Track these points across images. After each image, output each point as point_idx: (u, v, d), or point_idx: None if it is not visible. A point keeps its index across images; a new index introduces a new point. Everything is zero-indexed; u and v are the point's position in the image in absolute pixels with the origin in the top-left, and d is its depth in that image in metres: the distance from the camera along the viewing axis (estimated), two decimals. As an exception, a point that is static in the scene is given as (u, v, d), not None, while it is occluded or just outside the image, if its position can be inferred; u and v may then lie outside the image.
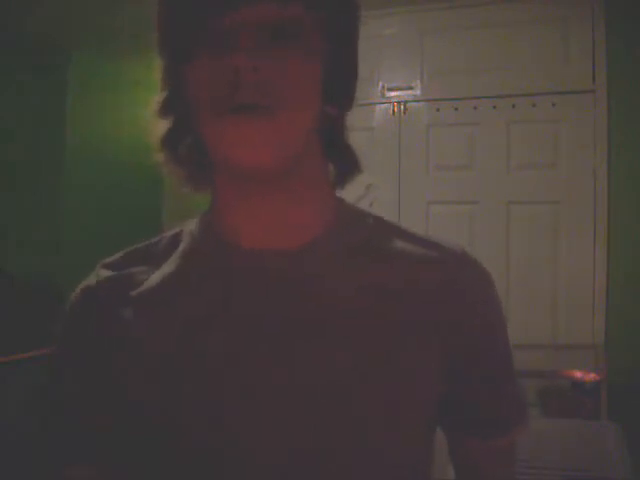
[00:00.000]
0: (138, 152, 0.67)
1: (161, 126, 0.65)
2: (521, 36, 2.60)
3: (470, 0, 2.67)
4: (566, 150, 2.54)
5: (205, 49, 0.58)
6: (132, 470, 0.64)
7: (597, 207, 2.47)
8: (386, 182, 2.75)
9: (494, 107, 2.63)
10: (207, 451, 0.60)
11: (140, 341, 0.63)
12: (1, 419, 2.10)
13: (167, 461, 0.62)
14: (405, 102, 2.77)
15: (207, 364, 0.61)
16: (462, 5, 2.68)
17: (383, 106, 2.80)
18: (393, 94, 2.79)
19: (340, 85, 0.64)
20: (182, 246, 0.68)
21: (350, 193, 0.72)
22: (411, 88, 2.76)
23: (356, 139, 0.69)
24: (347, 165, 0.69)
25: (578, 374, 2.18)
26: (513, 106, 2.61)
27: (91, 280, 0.68)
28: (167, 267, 0.67)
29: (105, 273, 0.68)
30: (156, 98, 0.65)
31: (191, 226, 0.70)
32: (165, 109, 0.65)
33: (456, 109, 2.69)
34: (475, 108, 2.66)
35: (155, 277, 0.66)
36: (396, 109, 2.78)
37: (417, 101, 2.76)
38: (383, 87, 2.80)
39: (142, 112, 0.67)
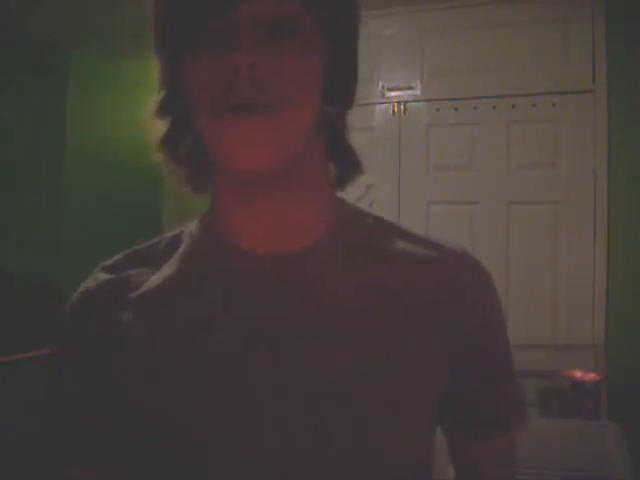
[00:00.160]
0: (138, 152, 0.67)
1: (160, 126, 0.65)
2: (521, 36, 2.60)
3: (470, 0, 2.67)
4: (566, 150, 2.54)
5: (203, 48, 0.57)
6: (132, 470, 0.64)
7: (597, 207, 2.47)
8: (386, 182, 2.75)
9: (494, 107, 2.63)
10: (207, 451, 0.60)
11: (140, 342, 0.63)
12: (1, 419, 2.10)
13: (167, 461, 0.62)
14: (405, 102, 2.77)
15: (207, 364, 0.61)
16: (462, 5, 2.68)
17: (383, 106, 2.80)
18: (393, 94, 2.79)
19: (340, 84, 0.64)
20: (182, 247, 0.68)
21: (350, 193, 0.72)
22: (411, 88, 2.76)
23: (356, 139, 0.69)
24: (348, 165, 0.69)
25: (578, 374, 2.18)
26: (513, 106, 2.61)
27: (90, 283, 0.68)
28: (167, 269, 0.67)
29: (104, 276, 0.68)
30: (154, 98, 0.65)
31: (191, 227, 0.70)
32: (163, 109, 0.64)
33: (456, 109, 2.69)
34: (475, 108, 2.66)
35: (154, 279, 0.66)
36: (396, 109, 2.78)
37: (417, 101, 2.76)
38: (383, 87, 2.80)
39: (142, 112, 0.67)
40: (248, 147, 0.56)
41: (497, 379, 0.71)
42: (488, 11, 2.65)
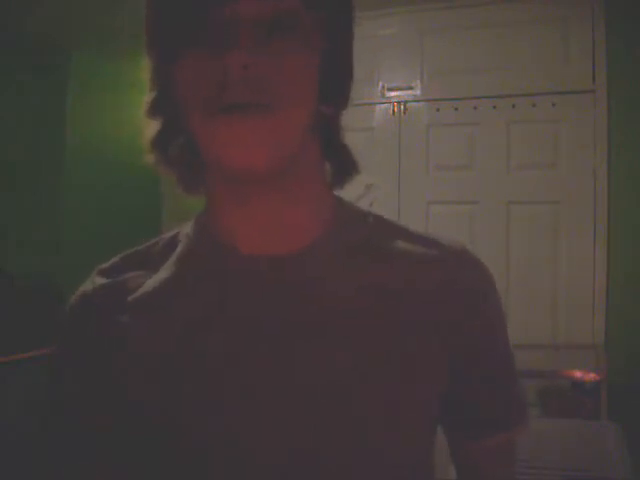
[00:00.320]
0: (138, 152, 0.67)
1: (151, 127, 0.65)
2: (521, 36, 2.60)
3: (470, 0, 2.67)
4: (566, 150, 2.54)
5: (195, 48, 0.57)
6: (132, 470, 0.64)
7: (597, 207, 2.47)
8: (386, 182, 2.75)
9: (494, 107, 2.63)
10: (207, 451, 0.60)
11: (139, 343, 0.63)
12: (1, 419, 2.10)
13: (167, 461, 0.62)
14: (405, 102, 2.77)
15: (207, 364, 0.61)
16: (462, 5, 2.68)
17: (383, 106, 2.80)
18: (393, 94, 2.79)
19: (336, 84, 0.63)
20: (179, 249, 0.68)
21: (350, 193, 0.72)
22: (411, 88, 2.76)
23: (356, 139, 0.69)
24: (344, 165, 0.68)
25: (578, 374, 2.18)
26: (513, 106, 2.61)
27: (87, 287, 0.68)
28: (164, 271, 0.67)
29: (101, 280, 0.68)
30: (145, 99, 0.64)
31: (187, 228, 0.70)
32: (154, 110, 0.64)
33: (456, 109, 2.69)
34: (475, 108, 2.66)
35: (152, 281, 0.66)
36: (396, 109, 2.78)
37: (417, 101, 2.76)
38: (383, 87, 2.80)
39: (142, 112, 0.66)
40: (241, 147, 0.56)
41: (497, 379, 0.71)
42: (488, 11, 2.65)
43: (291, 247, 0.64)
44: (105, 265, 0.70)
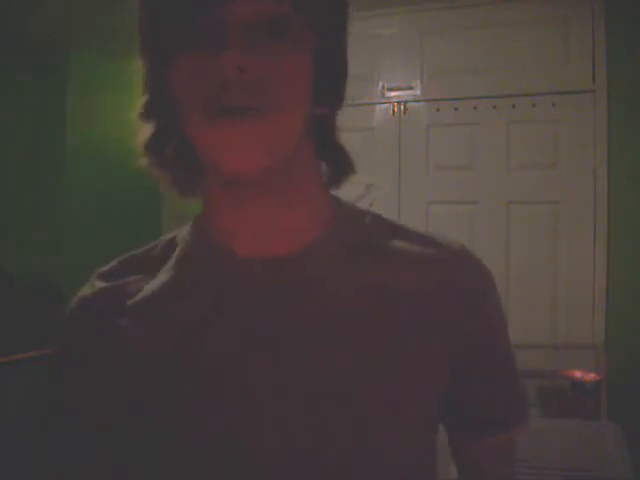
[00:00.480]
0: (138, 152, 0.67)
1: (145, 130, 0.64)
2: (521, 36, 2.60)
3: (470, 0, 2.67)
4: (566, 150, 2.54)
5: (192, 49, 0.56)
6: (132, 470, 0.64)
7: (597, 207, 2.47)
8: (386, 182, 2.75)
9: (494, 107, 2.63)
10: (207, 451, 0.60)
11: (139, 345, 0.63)
12: (1, 419, 2.10)
13: (167, 461, 0.62)
14: (405, 102, 2.77)
15: (206, 365, 0.61)
16: (462, 5, 2.68)
17: (383, 106, 2.80)
18: (393, 94, 2.79)
19: (331, 85, 0.63)
20: (176, 252, 0.68)
21: (350, 193, 0.72)
22: (411, 88, 2.76)
23: (356, 139, 0.69)
24: (340, 165, 0.68)
25: (578, 374, 2.18)
26: (513, 106, 2.61)
27: (86, 291, 0.68)
28: (162, 275, 0.67)
29: (100, 284, 0.68)
30: (139, 102, 0.64)
31: (184, 231, 0.70)
32: (147, 113, 0.64)
33: (456, 109, 2.69)
34: (475, 108, 2.66)
35: (150, 285, 0.66)
36: (396, 109, 2.78)
37: (417, 101, 2.76)
38: (383, 87, 2.80)
39: (135, 115, 0.66)
40: (237, 151, 0.56)
41: (497, 379, 0.71)
42: (488, 11, 2.65)
43: (289, 248, 0.64)
44: (104, 269, 0.70)
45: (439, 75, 2.72)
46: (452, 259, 0.67)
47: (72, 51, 3.08)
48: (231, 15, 0.54)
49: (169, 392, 0.61)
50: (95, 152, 3.13)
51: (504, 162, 2.62)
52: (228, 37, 0.54)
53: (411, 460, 0.64)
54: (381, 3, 2.67)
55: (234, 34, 0.54)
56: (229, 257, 0.64)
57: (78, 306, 0.67)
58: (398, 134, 2.77)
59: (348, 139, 0.71)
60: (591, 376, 2.16)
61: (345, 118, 0.68)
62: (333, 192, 0.70)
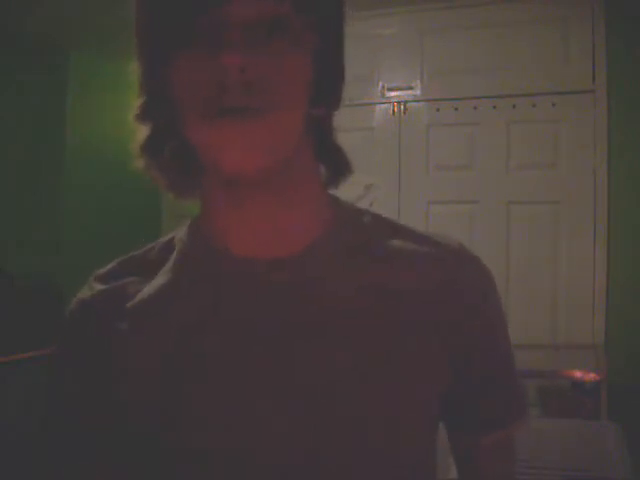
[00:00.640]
0: (135, 154, 0.66)
1: (141, 132, 0.64)
2: (521, 36, 2.60)
3: (470, 0, 2.67)
4: (566, 150, 2.54)
5: (191, 49, 0.56)
6: (132, 470, 0.64)
7: (597, 207, 2.47)
8: (386, 182, 2.75)
9: (494, 107, 2.63)
10: (207, 451, 0.60)
11: (139, 347, 0.63)
12: (1, 419, 2.10)
13: (167, 461, 0.62)
14: (405, 102, 2.77)
15: (206, 365, 0.61)
16: (462, 5, 2.68)
17: (383, 106, 2.80)
18: (393, 94, 2.79)
19: (329, 86, 0.63)
20: (174, 254, 0.68)
21: (350, 193, 0.72)
22: (411, 88, 2.76)
23: (356, 139, 0.69)
24: (338, 166, 0.68)
25: (578, 374, 2.18)
26: (513, 106, 2.61)
27: (85, 293, 0.68)
28: (160, 276, 0.67)
29: (98, 286, 0.67)
30: (135, 103, 0.64)
31: (182, 232, 0.70)
32: (144, 114, 0.63)
33: (456, 109, 2.69)
34: (475, 108, 2.66)
35: (149, 287, 0.66)
36: (396, 109, 2.78)
37: (417, 101, 2.76)
38: (383, 87, 2.80)
39: (131, 117, 0.66)
40: (237, 151, 0.56)
41: (497, 378, 0.71)
42: (488, 11, 2.65)
43: (289, 248, 0.64)
44: (102, 271, 0.70)
45: (439, 75, 2.72)
46: (452, 258, 0.67)
47: (72, 51, 3.08)
48: (231, 15, 0.54)
49: (169, 392, 0.61)
50: (95, 152, 3.13)
51: (504, 162, 2.63)
52: (228, 37, 0.54)
53: (411, 460, 0.64)
54: (381, 3, 2.67)
55: (234, 34, 0.54)
56: (228, 257, 0.64)
57: (77, 308, 0.67)
58: (398, 134, 2.77)
59: (348, 139, 0.71)
60: (591, 376, 2.16)
61: (345, 118, 0.68)
62: (333, 192, 0.70)
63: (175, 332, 0.63)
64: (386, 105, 2.80)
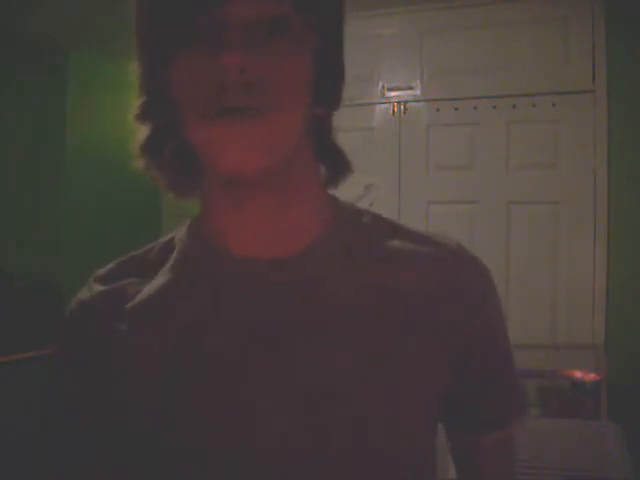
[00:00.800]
0: (135, 154, 0.66)
1: (141, 132, 0.64)
2: (521, 36, 2.60)
3: (470, 0, 2.67)
4: (566, 150, 2.54)
5: (191, 49, 0.56)
6: (132, 470, 0.64)
7: (597, 207, 2.47)
8: (386, 182, 2.75)
9: (494, 107, 2.63)
10: (207, 451, 0.60)
11: (139, 347, 0.63)
12: (1, 419, 2.10)
13: (167, 461, 0.62)
14: (405, 102, 2.77)
15: (206, 365, 0.61)
16: (462, 5, 2.68)
17: (383, 106, 2.80)
18: (393, 94, 2.79)
19: (329, 85, 0.64)
20: (174, 254, 0.68)
21: (350, 193, 0.72)
22: (411, 88, 2.76)
23: (356, 139, 0.69)
24: (337, 166, 0.68)
25: (578, 374, 2.18)
26: (513, 106, 2.61)
27: (85, 294, 0.68)
28: (160, 276, 0.67)
29: (98, 287, 0.67)
30: (135, 103, 0.64)
31: (181, 232, 0.70)
32: (144, 114, 0.63)
33: (456, 109, 2.69)
34: (475, 108, 2.66)
35: (149, 288, 0.66)
36: (396, 109, 2.78)
37: (417, 101, 2.76)
38: (383, 87, 2.80)
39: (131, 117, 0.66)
40: (237, 151, 0.56)
41: (498, 378, 0.71)
42: (488, 11, 2.65)
43: (289, 248, 0.64)
44: (102, 271, 0.70)
45: (439, 75, 2.72)
46: (451, 258, 0.67)
47: (72, 51, 3.08)
48: (231, 15, 0.54)
49: (169, 392, 0.61)
50: (95, 152, 3.13)
51: (504, 162, 2.62)
52: (228, 37, 0.54)
53: (411, 460, 0.64)
54: (381, 3, 2.67)
55: (234, 34, 0.54)
56: (228, 257, 0.64)
57: (77, 308, 0.67)
58: (398, 134, 2.77)
59: (348, 139, 0.71)
60: (591, 376, 2.16)
61: (345, 118, 0.68)
62: (333, 192, 0.70)
63: (175, 332, 0.63)
64: (386, 105, 2.80)
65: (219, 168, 0.58)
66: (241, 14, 0.55)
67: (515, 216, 2.62)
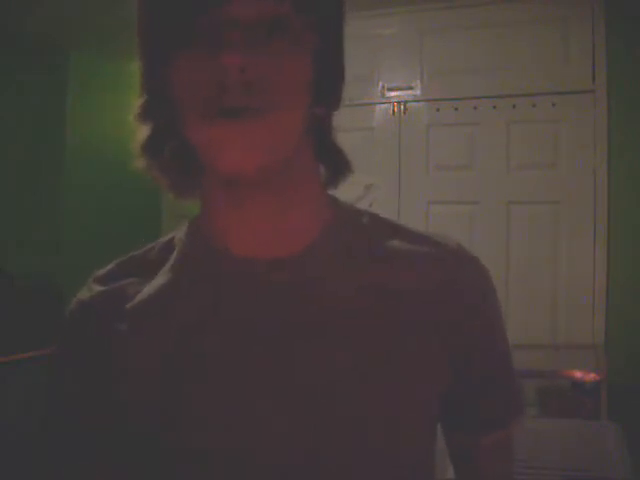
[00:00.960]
0: (135, 154, 0.66)
1: (142, 132, 0.64)
2: (521, 36, 2.60)
3: (470, 0, 2.67)
4: (566, 150, 2.54)
5: (191, 49, 0.56)
6: (132, 470, 0.64)
7: (597, 207, 2.47)
8: (386, 182, 2.75)
9: (494, 107, 2.63)
10: (207, 451, 0.60)
11: (139, 347, 0.63)
12: (1, 419, 2.11)
13: (167, 461, 0.62)
14: (405, 102, 2.77)
15: (206, 365, 0.61)
16: (462, 5, 2.68)
17: (383, 106, 2.80)
18: (393, 94, 2.79)
19: (329, 85, 0.64)
20: (174, 254, 0.68)
21: (350, 193, 0.72)
22: (411, 88, 2.76)
23: (356, 139, 0.69)
24: (337, 166, 0.68)
25: (578, 374, 2.18)
26: (513, 106, 2.61)
27: (85, 294, 0.68)
28: (160, 276, 0.67)
29: (98, 287, 0.67)
30: (136, 103, 0.64)
31: (181, 232, 0.70)
32: (145, 114, 0.63)
33: (456, 109, 2.69)
34: (475, 108, 2.66)
35: (148, 288, 0.66)
36: (396, 109, 2.78)
37: (417, 101, 2.76)
38: (383, 87, 2.80)
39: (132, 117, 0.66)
40: (237, 151, 0.56)
41: (497, 378, 0.71)
42: (488, 11, 2.65)
43: (289, 248, 0.64)
44: (101, 272, 0.70)
45: (439, 75, 2.72)
46: (451, 258, 0.67)
47: (72, 51, 3.08)
48: (231, 15, 0.54)
49: (169, 392, 0.61)
50: (95, 152, 3.13)
51: (504, 162, 2.63)
52: (228, 37, 0.54)
53: (411, 460, 0.64)
54: (381, 3, 2.67)
55: (234, 34, 0.54)
56: (228, 257, 0.64)
57: (77, 308, 0.67)
58: (398, 134, 2.77)
59: (348, 139, 0.71)
60: (591, 376, 2.16)
61: (345, 118, 0.68)
62: (333, 192, 0.70)
63: (175, 332, 0.63)
64: (386, 105, 2.80)
65: (219, 168, 0.58)
66: (241, 14, 0.55)
67: (515, 216, 2.62)
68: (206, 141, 0.57)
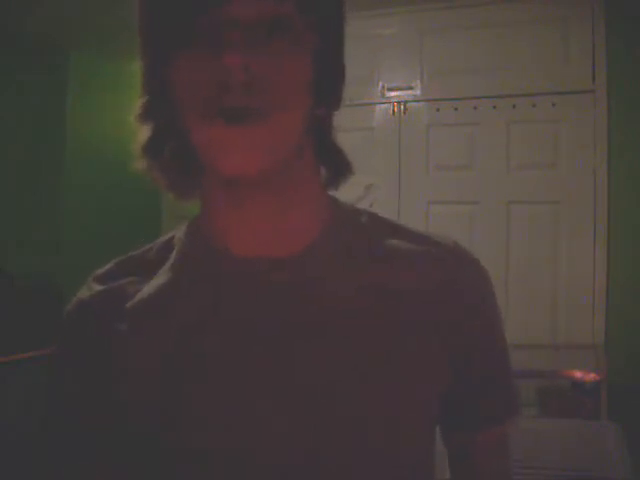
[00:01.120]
0: (136, 155, 0.66)
1: (142, 132, 0.64)
2: (521, 36, 2.60)
3: (470, 0, 2.67)
4: (566, 150, 2.54)
5: (191, 49, 0.56)
6: (132, 470, 0.64)
7: (597, 207, 2.47)
8: (386, 182, 2.75)
9: (494, 107, 2.63)
10: (207, 451, 0.60)
11: (139, 347, 0.63)
12: (1, 419, 2.11)
13: (167, 461, 0.62)
14: (405, 102, 2.77)
15: (206, 365, 0.61)
16: (462, 5, 2.68)
17: (383, 106, 2.80)
18: (393, 94, 2.79)
19: (329, 86, 0.64)
20: (173, 253, 0.68)
21: (350, 194, 0.72)
22: (411, 88, 2.76)
23: (356, 139, 0.69)
24: (338, 166, 0.68)
25: (578, 374, 2.18)
26: (513, 106, 2.61)
27: (84, 293, 0.68)
28: (160, 276, 0.67)
29: (97, 287, 0.67)
30: (137, 103, 0.64)
31: (180, 232, 0.70)
32: (146, 114, 0.63)
33: (456, 109, 2.69)
34: (475, 108, 2.66)
35: (148, 287, 0.66)
36: (396, 109, 2.78)
37: (417, 101, 2.76)
38: (383, 87, 2.80)
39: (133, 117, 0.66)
40: (237, 151, 0.56)
41: (497, 377, 0.72)
42: (488, 11, 2.65)
43: (289, 248, 0.64)
44: (100, 271, 0.70)
45: (439, 75, 2.72)
46: (451, 258, 0.68)
47: (72, 51, 3.08)
48: (231, 15, 0.54)
49: (169, 392, 0.61)
50: (95, 152, 3.13)
51: (504, 162, 2.62)
52: (228, 37, 0.54)
53: (411, 460, 0.64)
54: (381, 3, 2.67)
55: (234, 34, 0.54)
56: (227, 257, 0.64)
57: (76, 308, 0.67)
58: (398, 134, 2.77)
59: (348, 139, 0.71)
60: (591, 376, 2.16)
61: (345, 118, 0.68)
62: (333, 192, 0.70)
63: (175, 332, 0.63)
64: (386, 105, 2.80)
65: (219, 168, 0.58)
66: (241, 14, 0.55)
67: (515, 216, 2.62)
68: (206, 141, 0.57)
